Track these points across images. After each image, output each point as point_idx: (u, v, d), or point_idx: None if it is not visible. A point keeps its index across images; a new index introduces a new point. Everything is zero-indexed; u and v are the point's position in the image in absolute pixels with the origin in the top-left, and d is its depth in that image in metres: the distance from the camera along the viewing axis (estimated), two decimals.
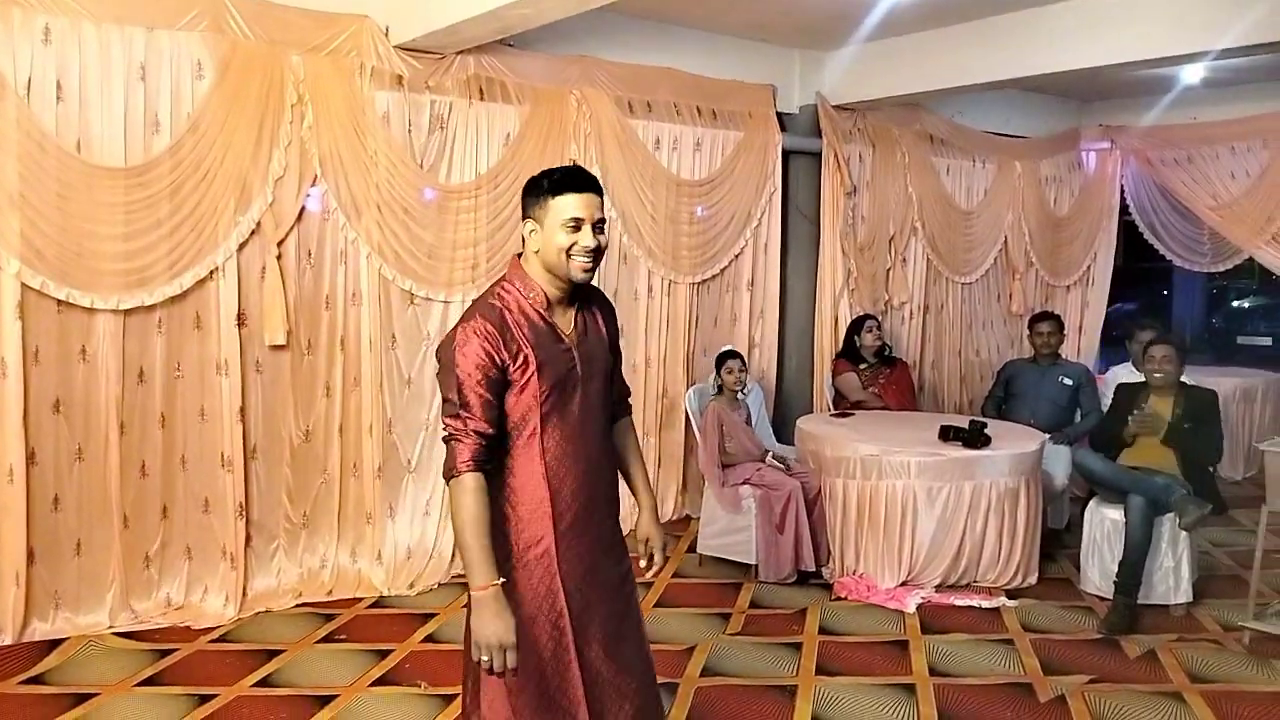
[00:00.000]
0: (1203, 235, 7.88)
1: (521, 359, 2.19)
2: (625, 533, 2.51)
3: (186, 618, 4.24)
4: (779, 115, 6.23)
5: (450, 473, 2.16)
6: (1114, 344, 8.29)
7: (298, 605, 4.48)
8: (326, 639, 4.15)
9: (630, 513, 2.63)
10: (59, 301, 3.95)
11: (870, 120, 6.63)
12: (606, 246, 2.28)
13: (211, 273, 4.26)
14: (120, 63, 3.98)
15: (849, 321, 6.29)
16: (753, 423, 5.51)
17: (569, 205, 2.18)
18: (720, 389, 5.21)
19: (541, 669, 2.27)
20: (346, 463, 4.74)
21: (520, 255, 2.29)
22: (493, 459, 2.20)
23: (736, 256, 6.04)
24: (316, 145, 4.44)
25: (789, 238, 6.42)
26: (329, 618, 4.36)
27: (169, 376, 4.26)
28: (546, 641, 2.27)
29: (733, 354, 5.27)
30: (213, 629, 4.18)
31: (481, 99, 4.94)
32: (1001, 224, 7.58)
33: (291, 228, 4.46)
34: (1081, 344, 8.28)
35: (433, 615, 4.41)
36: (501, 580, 2.14)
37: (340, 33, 4.49)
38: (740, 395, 5.29)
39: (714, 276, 5.96)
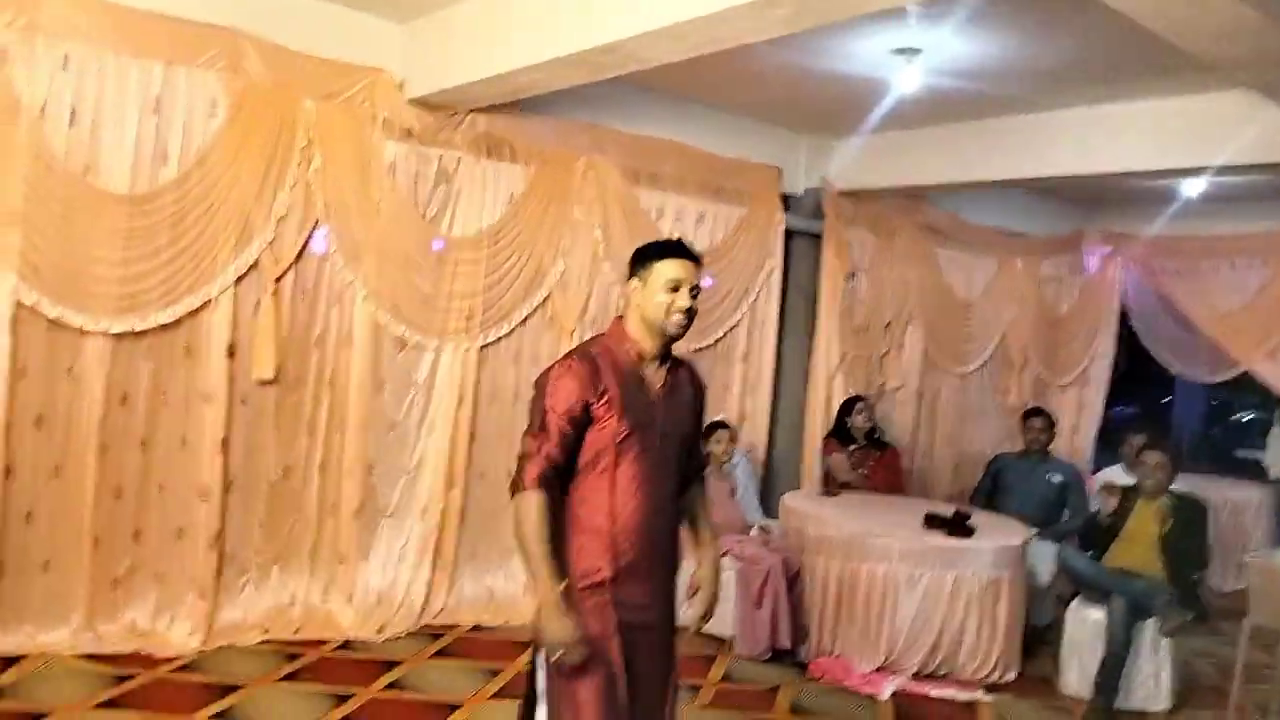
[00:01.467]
0: (1200, 345, 7.89)
1: (606, 398, 2.43)
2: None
3: (150, 645, 4.18)
4: (783, 196, 6.32)
5: (516, 487, 2.41)
6: (1111, 446, 8.26)
7: (264, 641, 4.41)
8: (289, 677, 4.07)
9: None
10: (50, 320, 3.97)
11: (873, 207, 6.72)
12: (696, 312, 2.53)
13: (206, 303, 4.29)
14: (135, 94, 4.07)
15: (841, 402, 6.29)
16: (738, 494, 5.48)
17: (671, 269, 2.48)
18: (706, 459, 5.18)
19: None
20: (325, 502, 4.71)
21: (621, 317, 2.58)
22: (556, 486, 2.43)
23: (732, 328, 6.07)
24: (322, 189, 4.52)
25: (787, 315, 6.46)
26: (293, 657, 4.28)
27: (154, 402, 4.26)
28: (595, 670, 2.41)
29: (721, 424, 5.27)
30: (175, 658, 4.12)
31: (489, 157, 5.03)
32: (1001, 318, 7.62)
33: (290, 266, 4.51)
34: (1076, 443, 8.24)
35: (398, 663, 4.33)
36: (563, 585, 2.36)
37: (356, 83, 4.60)
38: (726, 466, 5.27)
39: (708, 346, 5.98)
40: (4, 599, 3.97)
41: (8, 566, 3.98)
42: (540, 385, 2.48)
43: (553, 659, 2.36)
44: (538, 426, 2.43)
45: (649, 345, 2.53)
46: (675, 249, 2.54)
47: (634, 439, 2.45)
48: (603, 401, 2.42)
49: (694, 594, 2.71)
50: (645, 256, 2.54)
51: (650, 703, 2.53)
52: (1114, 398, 8.50)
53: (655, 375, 2.55)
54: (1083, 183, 5.99)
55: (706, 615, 2.71)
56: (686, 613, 2.70)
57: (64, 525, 4.09)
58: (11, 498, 3.96)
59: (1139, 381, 11.74)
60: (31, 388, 3.98)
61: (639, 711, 2.47)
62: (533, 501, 2.38)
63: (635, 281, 2.53)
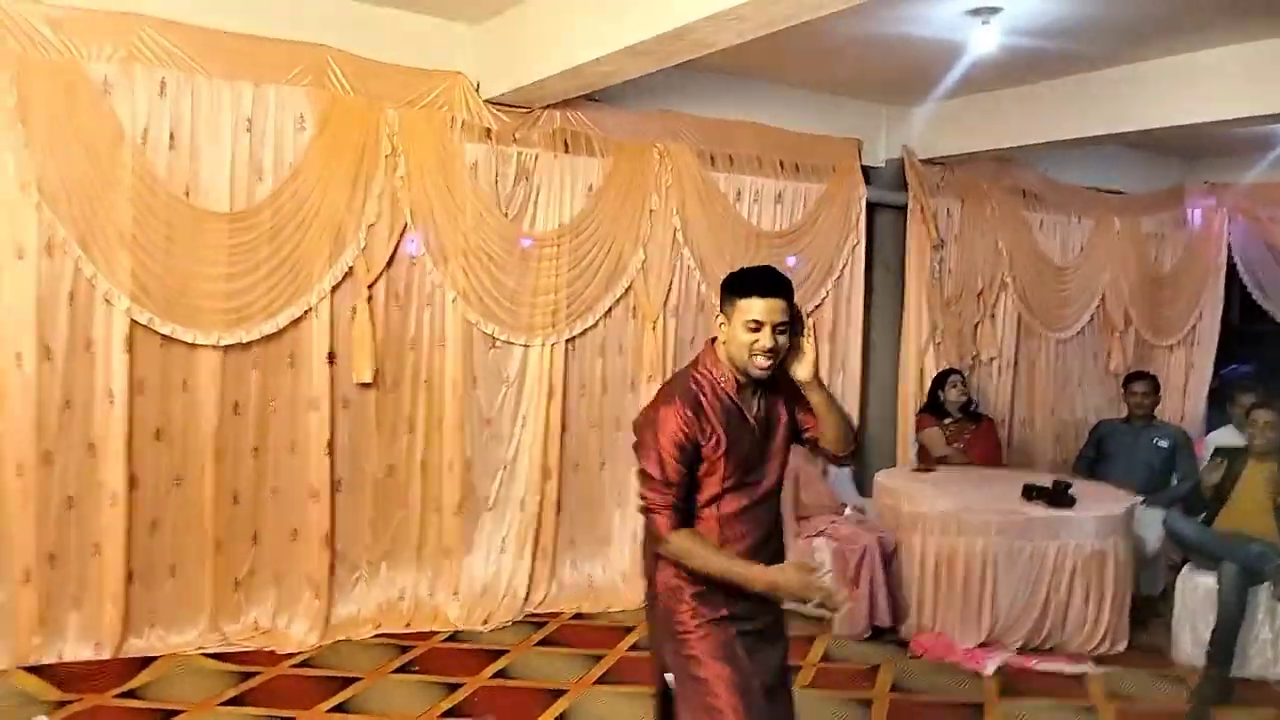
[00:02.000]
0: None
1: (714, 439, 2.40)
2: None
3: (271, 642, 4.40)
4: (864, 169, 6.25)
5: (661, 543, 2.42)
6: (1224, 407, 7.94)
7: (376, 635, 4.60)
8: (402, 669, 4.25)
9: None
10: (163, 336, 4.20)
11: (959, 174, 6.59)
12: (785, 350, 2.42)
13: (306, 313, 4.48)
14: (229, 115, 4.26)
15: (934, 376, 6.20)
16: (829, 475, 5.46)
17: (751, 308, 2.39)
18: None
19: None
20: (428, 498, 4.88)
21: (714, 340, 2.51)
22: (687, 521, 2.44)
23: (817, 307, 6.03)
24: (408, 194, 4.66)
25: (873, 290, 6.39)
26: (405, 649, 4.46)
27: (263, 410, 4.47)
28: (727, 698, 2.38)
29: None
30: (295, 654, 4.33)
31: (566, 151, 5.10)
32: (1098, 281, 7.37)
33: (382, 272, 4.67)
34: (1186, 407, 7.95)
35: (504, 652, 4.48)
36: (760, 565, 2.40)
37: (434, 88, 4.72)
38: None
39: None
40: (136, 604, 4.23)
41: (137, 573, 4.23)
42: (649, 436, 2.42)
43: (821, 604, 2.35)
44: (659, 480, 2.40)
45: (741, 376, 2.46)
46: (757, 284, 2.42)
47: (741, 474, 2.45)
48: (710, 443, 2.40)
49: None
50: (729, 290, 2.46)
51: (775, 701, 2.52)
52: (1227, 357, 8.16)
53: (750, 403, 2.49)
54: (1178, 134, 5.75)
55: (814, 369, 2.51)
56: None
57: (187, 531, 4.34)
58: (137, 507, 4.21)
59: (1253, 338, 11.24)
60: (149, 402, 4.22)
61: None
62: (685, 537, 2.41)
63: (721, 317, 2.47)
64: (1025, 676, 4.36)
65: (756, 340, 2.38)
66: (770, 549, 2.54)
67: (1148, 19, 4.57)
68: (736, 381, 2.46)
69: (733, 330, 2.42)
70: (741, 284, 2.44)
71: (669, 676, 2.50)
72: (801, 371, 2.46)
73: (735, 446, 2.42)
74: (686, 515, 2.43)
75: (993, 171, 6.75)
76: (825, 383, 2.55)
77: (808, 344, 2.46)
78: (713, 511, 2.45)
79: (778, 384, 2.53)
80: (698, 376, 2.47)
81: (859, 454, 2.20)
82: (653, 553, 2.51)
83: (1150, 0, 4.34)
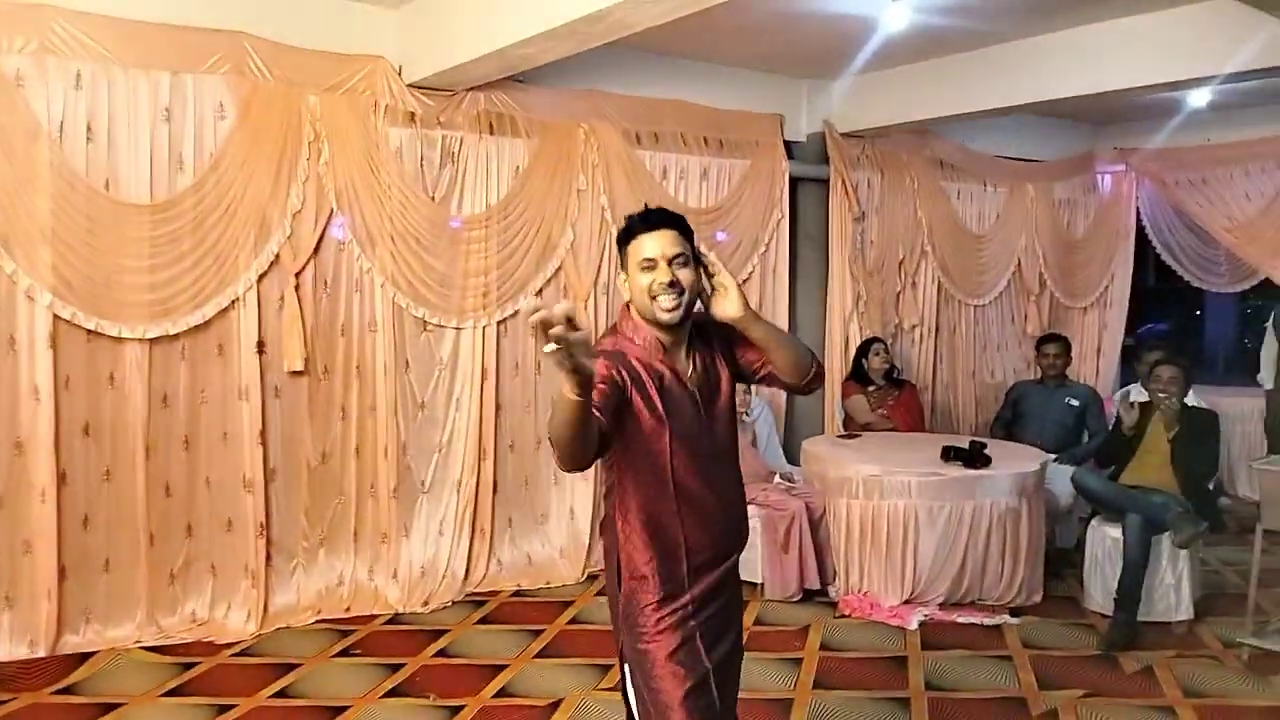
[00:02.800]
0: (1219, 256, 7.89)
1: (646, 396, 2.17)
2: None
3: (210, 633, 4.42)
4: (786, 143, 6.37)
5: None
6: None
7: (316, 621, 4.64)
8: (342, 653, 4.30)
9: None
10: (88, 331, 4.17)
11: (878, 146, 6.75)
12: (694, 285, 2.19)
13: (233, 302, 4.47)
14: (147, 105, 4.21)
15: (858, 344, 6.39)
16: (759, 443, 5.62)
17: (641, 247, 2.18)
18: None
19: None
20: (363, 484, 4.92)
21: (627, 304, 2.27)
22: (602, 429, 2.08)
23: (744, 281, 6.16)
24: (333, 180, 4.66)
25: (798, 263, 6.54)
26: (345, 633, 4.52)
27: (193, 401, 4.46)
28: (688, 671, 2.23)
29: None
30: (234, 644, 4.36)
31: (491, 133, 5.13)
32: (1014, 247, 7.64)
33: (309, 259, 4.67)
34: (1100, 366, 8.30)
35: (445, 631, 4.55)
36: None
37: (356, 73, 4.72)
38: (746, 417, 5.40)
39: None
40: (70, 600, 4.21)
41: (71, 569, 4.21)
42: None
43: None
44: None
45: (663, 334, 2.23)
46: (643, 220, 2.21)
47: (688, 443, 2.22)
48: (643, 400, 2.17)
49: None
50: (619, 241, 2.25)
51: (727, 677, 2.36)
52: (1144, 316, 8.50)
53: (683, 361, 2.26)
54: (1087, 102, 5.97)
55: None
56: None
57: (119, 526, 4.32)
58: (67, 504, 4.19)
59: (1168, 298, 11.70)
60: (76, 398, 4.19)
61: (725, 695, 2.32)
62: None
63: (622, 274, 2.25)
64: (946, 630, 4.58)
65: (654, 278, 2.15)
66: (732, 514, 2.36)
67: None
68: (660, 343, 2.23)
69: (631, 281, 2.21)
70: (627, 228, 2.23)
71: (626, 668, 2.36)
72: (730, 308, 2.21)
73: (676, 415, 2.20)
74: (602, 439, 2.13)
75: (911, 143, 6.93)
76: (759, 313, 2.34)
77: (725, 277, 2.22)
78: (669, 485, 2.22)
79: (709, 334, 2.33)
80: (617, 341, 2.24)
81: (823, 376, 2.03)
82: (613, 533, 2.30)
83: None
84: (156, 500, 4.39)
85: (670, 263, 2.16)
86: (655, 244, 2.17)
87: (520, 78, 5.10)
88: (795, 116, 6.51)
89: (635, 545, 2.26)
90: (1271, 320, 6.93)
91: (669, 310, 2.17)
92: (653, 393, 2.18)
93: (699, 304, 2.25)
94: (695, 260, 2.22)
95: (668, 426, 2.19)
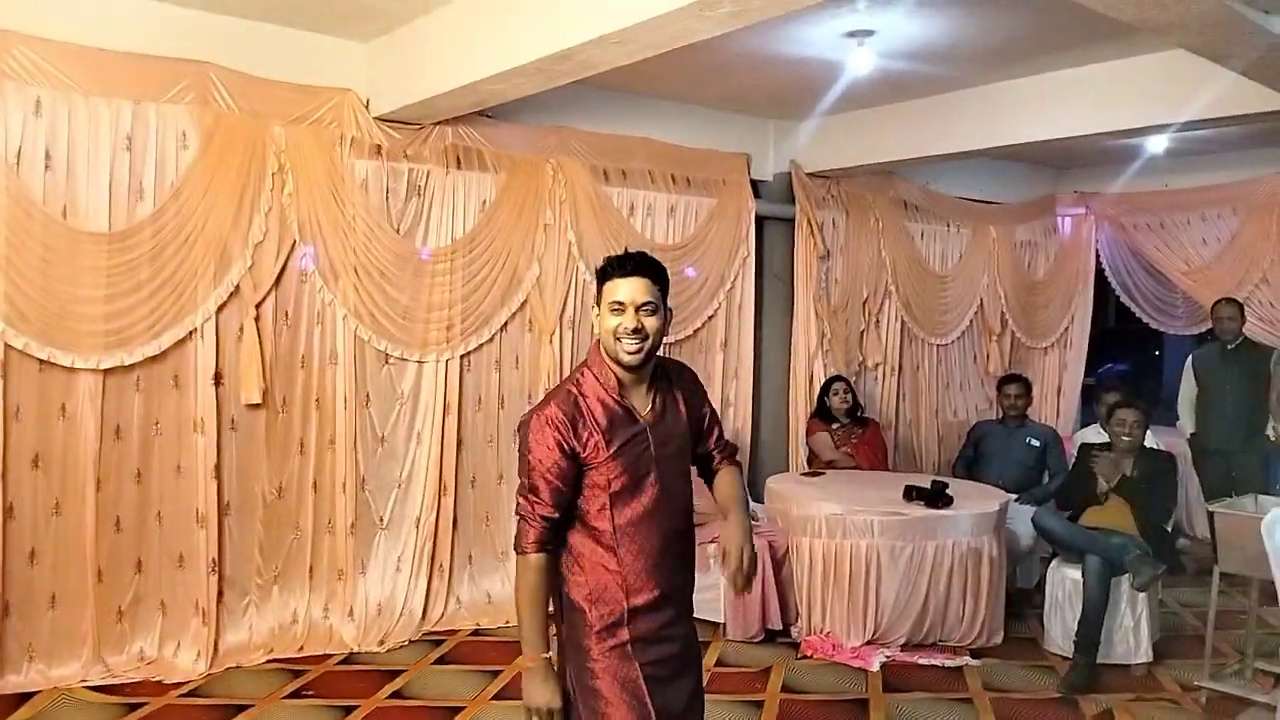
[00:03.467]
0: (1176, 298, 8.02)
1: (594, 445, 2.26)
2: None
3: (158, 672, 4.30)
4: (753, 182, 6.42)
5: (518, 549, 2.30)
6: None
7: (269, 660, 4.53)
8: (294, 694, 4.20)
9: None
10: (40, 361, 4.08)
11: (844, 187, 6.82)
12: (659, 332, 2.31)
13: (190, 333, 4.40)
14: (108, 133, 4.17)
15: (822, 382, 6.41)
16: None
17: (613, 289, 2.29)
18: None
19: None
20: (320, 519, 4.83)
21: (599, 340, 2.37)
22: (558, 540, 2.32)
23: (710, 318, 6.18)
24: (296, 211, 4.62)
25: (763, 300, 6.57)
26: (298, 674, 4.41)
27: (146, 433, 4.37)
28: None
29: None
30: (183, 683, 4.24)
31: (459, 168, 5.12)
32: (977, 287, 7.73)
33: (270, 290, 4.61)
34: (1061, 406, 8.39)
35: (401, 671, 4.47)
36: (548, 656, 2.30)
37: (322, 105, 4.70)
38: None
39: (687, 338, 6.09)
40: (13, 637, 4.09)
41: (14, 605, 4.10)
42: (523, 443, 2.31)
43: None
44: (528, 488, 2.29)
45: (624, 373, 2.33)
46: (619, 264, 2.32)
47: (630, 479, 2.30)
48: (591, 449, 2.27)
49: (723, 558, 2.44)
50: (597, 278, 2.37)
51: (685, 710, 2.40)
52: (1103, 357, 8.61)
53: (642, 400, 2.36)
54: (1048, 147, 6.10)
55: (746, 577, 2.43)
56: (721, 577, 2.52)
57: (67, 561, 4.21)
58: (13, 537, 4.08)
59: (1128, 339, 11.87)
60: (26, 428, 4.10)
61: None
62: (533, 565, 2.28)
63: (595, 309, 2.38)
64: (908, 672, 4.56)
65: (620, 322, 2.27)
66: (674, 557, 2.37)
67: (1012, 41, 4.85)
68: (618, 380, 2.34)
69: (600, 319, 2.33)
70: (604, 268, 2.34)
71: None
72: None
73: (623, 450, 2.28)
74: (557, 531, 2.31)
75: (876, 184, 7.01)
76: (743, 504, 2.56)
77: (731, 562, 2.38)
78: (606, 520, 2.29)
79: (674, 378, 2.46)
80: (580, 379, 2.35)
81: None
82: (557, 564, 2.35)
83: (1014, 24, 4.61)
84: (106, 534, 4.28)
85: (639, 309, 2.28)
86: (627, 289, 2.29)
87: (489, 113, 5.10)
88: (762, 156, 6.57)
89: (576, 579, 2.33)
90: (1190, 361, 6.63)
91: (630, 353, 2.28)
92: (601, 430, 2.28)
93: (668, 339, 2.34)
94: (664, 306, 2.34)
95: (611, 463, 2.28)
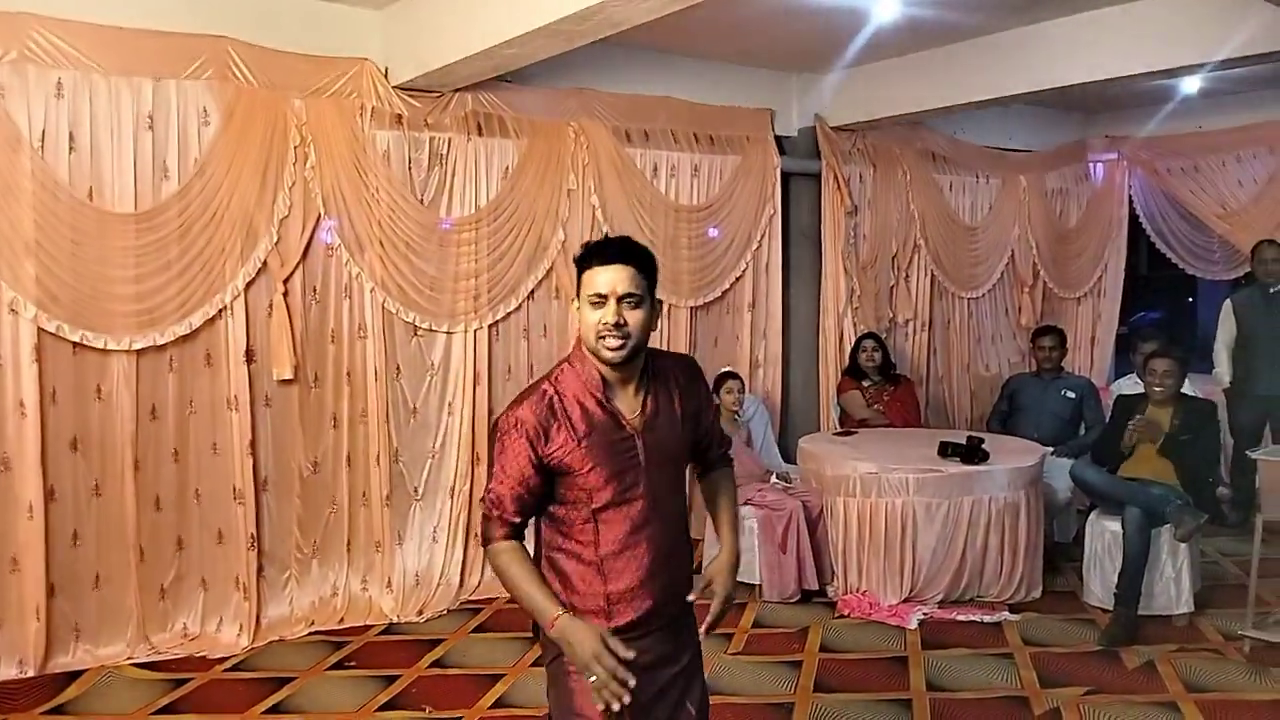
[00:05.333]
0: (1213, 243, 7.86)
1: (569, 451, 2.05)
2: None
3: (202, 648, 4.37)
4: (777, 138, 6.32)
5: (484, 542, 2.13)
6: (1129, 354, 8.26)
7: (310, 633, 4.59)
8: (337, 666, 4.26)
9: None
10: (74, 343, 4.11)
11: (870, 140, 6.71)
12: (646, 326, 2.08)
13: (220, 311, 4.41)
14: (129, 113, 4.15)
15: (852, 340, 6.35)
16: (754, 443, 5.58)
17: (592, 279, 2.06)
18: (718, 410, 5.28)
19: None
20: (355, 492, 4.86)
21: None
22: (524, 530, 2.12)
23: (738, 278, 6.12)
24: (320, 184, 4.60)
25: (791, 258, 6.50)
26: (340, 645, 4.47)
27: (181, 413, 4.41)
28: None
29: (730, 375, 5.36)
30: (227, 658, 4.31)
31: (480, 134, 5.07)
32: (1007, 238, 7.60)
33: (297, 265, 4.61)
34: (1095, 356, 8.27)
35: (440, 640, 4.51)
36: (565, 608, 2.04)
37: (341, 75, 4.65)
38: (738, 416, 5.36)
39: (715, 300, 6.04)
40: (60, 618, 4.16)
41: (60, 586, 4.17)
42: (495, 440, 2.11)
43: (593, 682, 1.97)
44: (493, 495, 2.08)
45: (609, 371, 2.10)
46: (599, 252, 2.08)
47: (616, 492, 2.07)
48: (566, 456, 2.05)
49: (705, 588, 2.29)
50: (577, 267, 2.12)
51: None
52: (1136, 305, 8.47)
53: (630, 403, 2.12)
54: (1079, 91, 5.94)
55: (713, 621, 2.25)
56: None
57: (109, 541, 4.27)
58: (55, 519, 4.14)
59: (1161, 286, 11.68)
60: (63, 411, 4.14)
61: None
62: (504, 548, 2.08)
63: (575, 300, 2.13)
64: (946, 628, 4.55)
65: (600, 317, 2.03)
66: (670, 570, 2.16)
67: None
68: (602, 379, 2.10)
69: (580, 312, 2.08)
70: (582, 256, 2.11)
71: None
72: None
73: (605, 459, 2.06)
74: (524, 527, 2.13)
75: (903, 136, 6.88)
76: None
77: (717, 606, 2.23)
78: (590, 537, 2.09)
79: (667, 377, 2.20)
80: (559, 376, 2.12)
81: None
82: (547, 577, 2.14)
83: None
84: (146, 514, 4.33)
85: (620, 301, 2.04)
86: (608, 280, 2.04)
87: (508, 77, 5.04)
88: (786, 111, 6.45)
89: (556, 590, 2.12)
90: (1228, 306, 6.34)
91: (612, 351, 2.04)
92: (578, 436, 2.06)
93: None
94: (651, 297, 2.10)
95: (592, 474, 2.06)
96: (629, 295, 2.04)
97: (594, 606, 2.10)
